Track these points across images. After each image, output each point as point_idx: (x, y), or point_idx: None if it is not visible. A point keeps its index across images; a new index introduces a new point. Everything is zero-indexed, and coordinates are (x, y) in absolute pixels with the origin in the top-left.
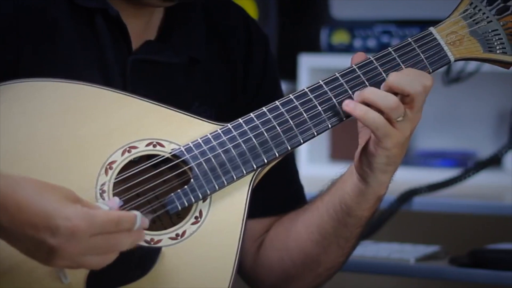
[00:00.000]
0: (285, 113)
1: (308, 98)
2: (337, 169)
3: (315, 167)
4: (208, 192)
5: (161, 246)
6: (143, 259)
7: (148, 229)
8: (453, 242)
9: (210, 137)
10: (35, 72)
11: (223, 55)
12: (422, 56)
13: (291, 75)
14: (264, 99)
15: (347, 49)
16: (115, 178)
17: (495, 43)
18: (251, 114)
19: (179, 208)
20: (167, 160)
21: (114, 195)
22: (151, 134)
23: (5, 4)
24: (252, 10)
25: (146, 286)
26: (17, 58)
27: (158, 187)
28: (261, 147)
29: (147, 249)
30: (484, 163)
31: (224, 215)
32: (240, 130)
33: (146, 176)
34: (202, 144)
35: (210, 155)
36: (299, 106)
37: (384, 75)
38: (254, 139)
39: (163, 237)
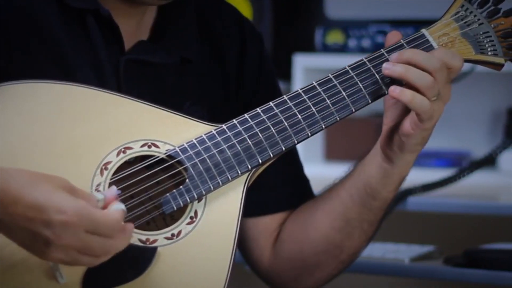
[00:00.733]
0: (279, 113)
1: (302, 99)
2: (332, 169)
3: (310, 167)
4: (204, 192)
5: (157, 246)
6: (138, 259)
7: (143, 230)
8: (447, 242)
9: (205, 137)
10: (27, 74)
11: (215, 55)
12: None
13: (286, 75)
14: (260, 98)
15: (342, 49)
16: (111, 179)
17: (487, 45)
18: (246, 115)
19: (175, 208)
20: (162, 161)
21: None
22: (146, 135)
23: None
24: (246, 10)
25: (141, 286)
26: (8, 62)
27: (154, 187)
28: (256, 148)
29: (142, 249)
30: (478, 163)
31: (219, 215)
32: (235, 131)
33: (141, 176)
34: (197, 144)
35: (205, 156)
36: (293, 107)
37: (377, 76)
38: (248, 140)
39: (159, 237)
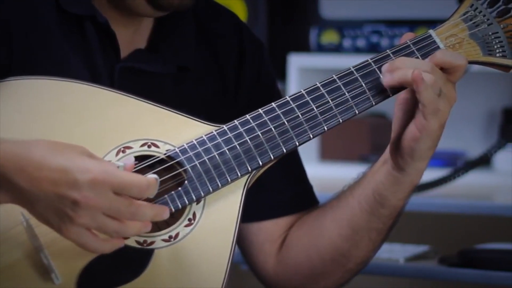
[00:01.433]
0: (281, 115)
1: (305, 100)
2: (327, 169)
3: (305, 167)
4: (202, 194)
5: (154, 248)
6: (135, 261)
7: None
8: (442, 242)
9: (205, 138)
10: (27, 73)
11: (213, 63)
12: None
13: (281, 75)
14: (259, 105)
15: (337, 49)
16: None
17: (495, 46)
18: (247, 116)
19: (173, 210)
20: (162, 161)
21: None
22: (146, 134)
23: None
24: (241, 11)
25: None
26: (10, 59)
27: None
28: (257, 150)
29: (139, 251)
30: (473, 163)
31: (218, 218)
32: (236, 132)
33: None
34: (197, 145)
35: (205, 157)
36: (295, 108)
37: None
38: (249, 141)
39: (156, 239)
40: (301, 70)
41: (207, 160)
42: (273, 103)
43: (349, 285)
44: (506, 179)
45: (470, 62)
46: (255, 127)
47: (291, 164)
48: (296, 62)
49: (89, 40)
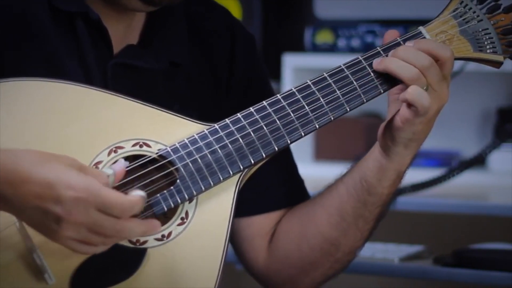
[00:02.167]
0: (272, 113)
1: (295, 98)
2: (322, 169)
3: (300, 167)
4: (194, 193)
5: (147, 247)
6: (128, 260)
7: None
8: (437, 242)
9: (196, 137)
10: (18, 74)
11: (206, 58)
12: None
13: (276, 74)
14: (252, 101)
15: (331, 48)
16: None
17: (485, 42)
18: (238, 114)
19: (165, 209)
20: (154, 161)
21: None
22: (137, 134)
23: None
24: (236, 10)
25: (131, 287)
26: (1, 63)
27: (146, 187)
28: (248, 148)
29: (132, 250)
30: (468, 162)
31: (210, 216)
32: (227, 131)
33: (133, 176)
34: (188, 144)
35: (196, 156)
36: (286, 106)
37: (373, 75)
38: (241, 140)
39: (149, 238)
40: (296, 70)
41: (198, 159)
42: (264, 102)
43: (344, 285)
44: (500, 179)
45: (461, 59)
46: (247, 125)
47: (282, 159)
48: (291, 62)
49: (81, 37)
